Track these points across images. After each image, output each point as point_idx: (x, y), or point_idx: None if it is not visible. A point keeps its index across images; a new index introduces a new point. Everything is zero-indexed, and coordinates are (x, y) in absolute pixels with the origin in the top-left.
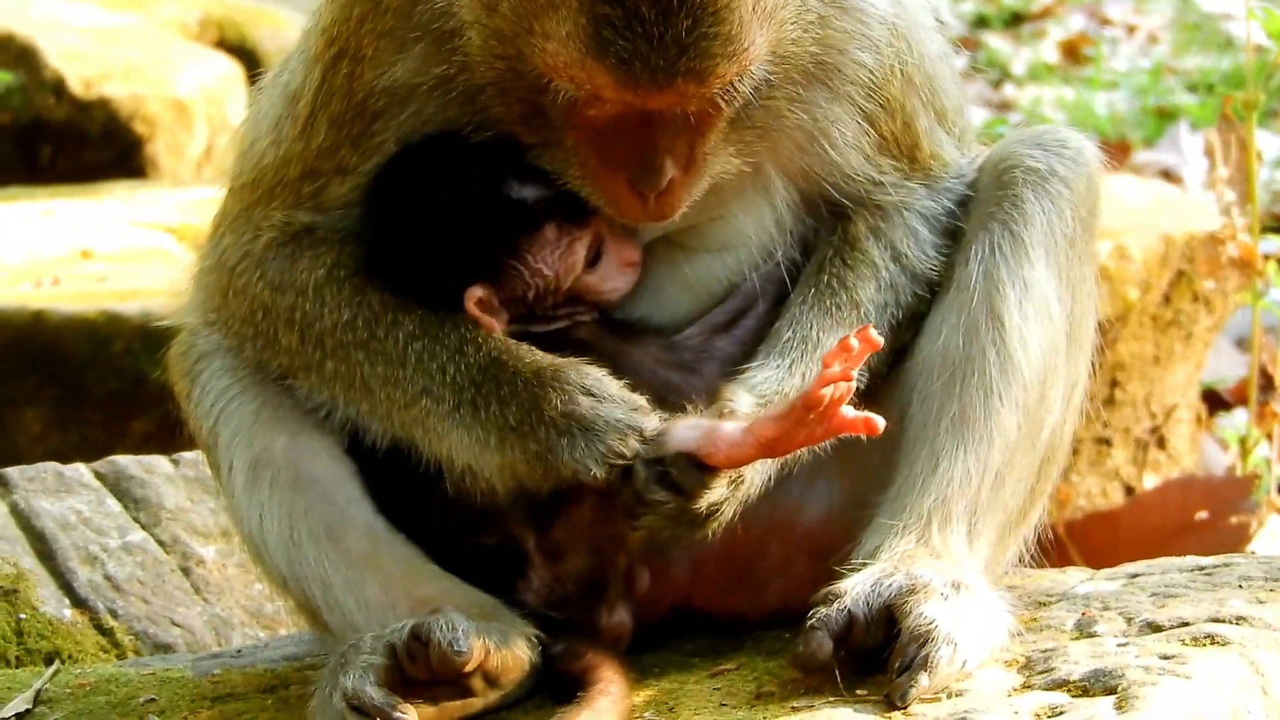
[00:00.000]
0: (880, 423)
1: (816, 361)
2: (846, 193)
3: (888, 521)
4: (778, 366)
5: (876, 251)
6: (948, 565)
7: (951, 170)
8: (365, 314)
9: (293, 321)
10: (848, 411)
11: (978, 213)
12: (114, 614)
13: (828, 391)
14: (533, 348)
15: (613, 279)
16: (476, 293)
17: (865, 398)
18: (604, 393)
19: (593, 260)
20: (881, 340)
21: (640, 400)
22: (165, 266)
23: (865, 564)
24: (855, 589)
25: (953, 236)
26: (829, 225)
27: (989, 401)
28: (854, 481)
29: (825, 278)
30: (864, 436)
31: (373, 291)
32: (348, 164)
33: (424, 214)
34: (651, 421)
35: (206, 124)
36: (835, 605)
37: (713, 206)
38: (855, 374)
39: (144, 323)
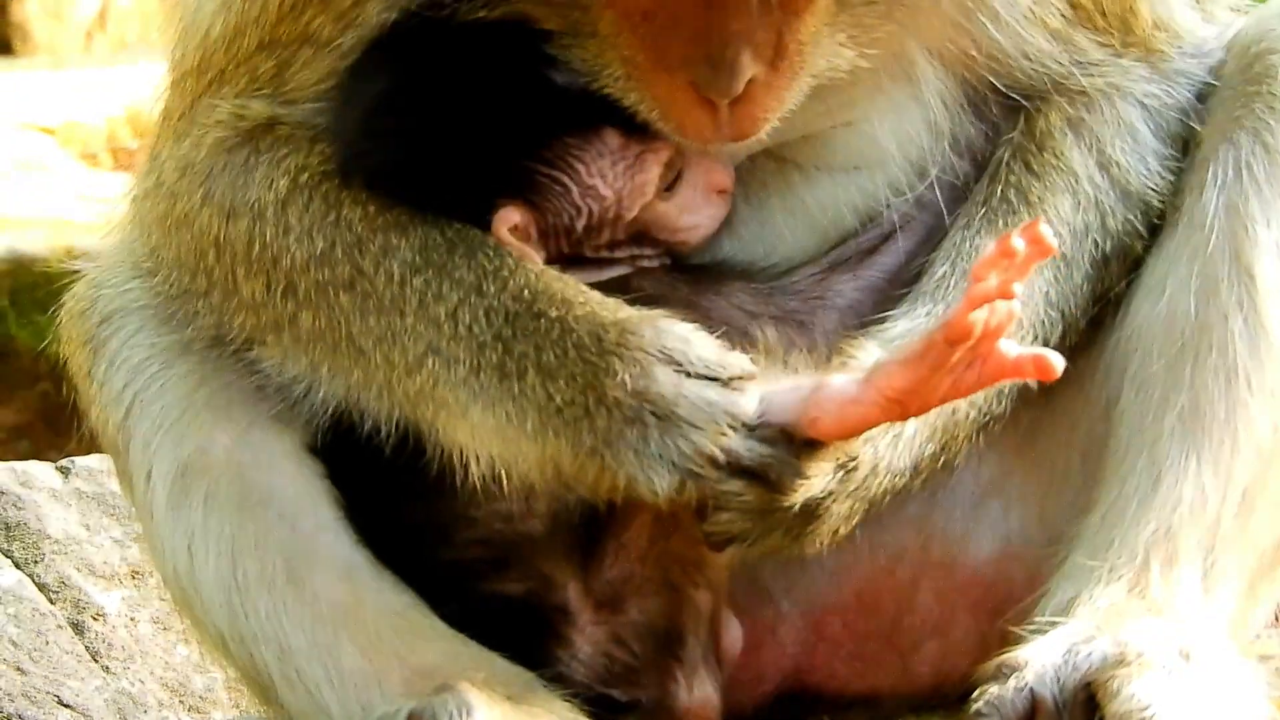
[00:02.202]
0: (1057, 361)
1: None
2: (1026, 84)
3: (1087, 561)
4: (928, 314)
5: (1076, 153)
6: (1173, 624)
7: (1187, 44)
8: (345, 238)
9: (251, 260)
10: (1009, 348)
11: (1220, 115)
12: None
13: (979, 316)
14: (585, 287)
15: (694, 210)
16: (512, 216)
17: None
18: (694, 360)
19: (669, 183)
20: (1055, 242)
21: (746, 366)
22: (44, 183)
23: (1055, 623)
24: (1040, 659)
25: (1185, 146)
26: (1007, 126)
27: (1233, 390)
28: (1040, 503)
29: (999, 189)
30: (1033, 383)
31: (353, 204)
32: (319, 33)
33: (427, 100)
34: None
35: None
36: (1012, 682)
37: (837, 109)
38: (1019, 292)
39: (13, 267)
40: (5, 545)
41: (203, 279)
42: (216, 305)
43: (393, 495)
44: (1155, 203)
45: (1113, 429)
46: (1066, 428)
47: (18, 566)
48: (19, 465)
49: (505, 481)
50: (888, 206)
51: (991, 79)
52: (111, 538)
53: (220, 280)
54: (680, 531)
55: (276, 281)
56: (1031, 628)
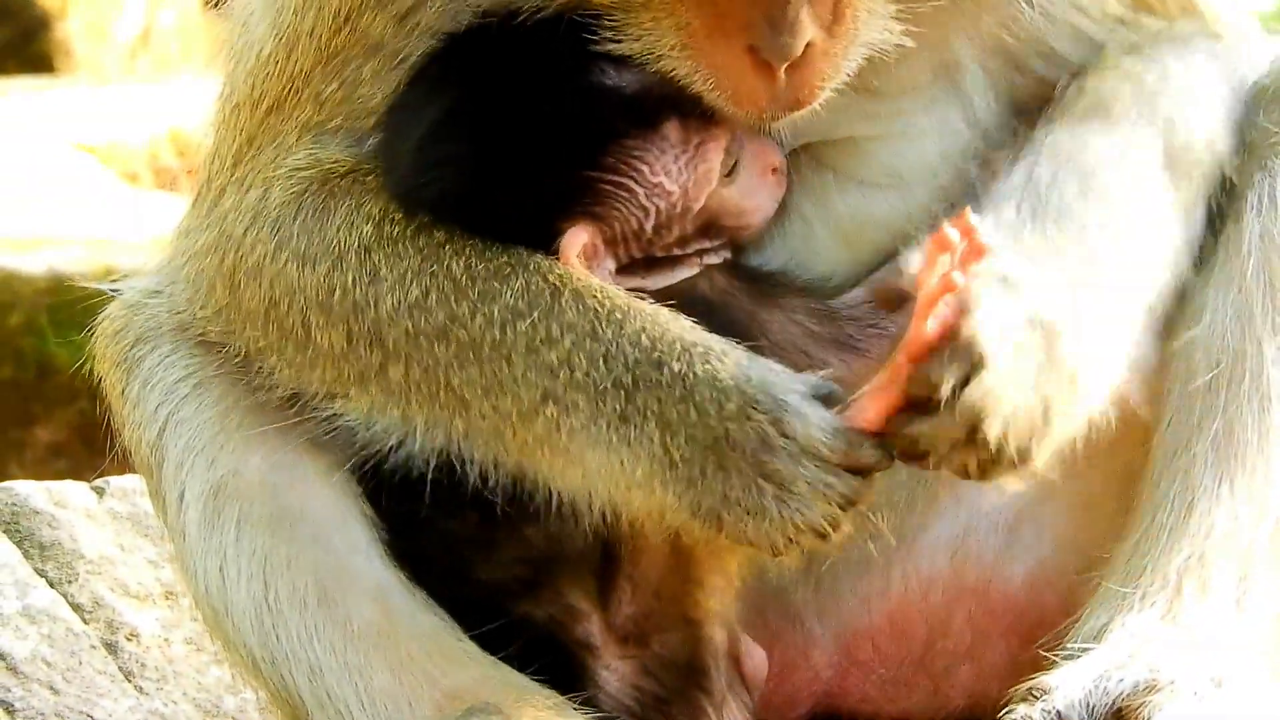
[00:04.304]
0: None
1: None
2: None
3: (1120, 588)
4: (1017, 207)
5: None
6: (1205, 651)
7: (1246, 40)
8: (441, 285)
9: (330, 308)
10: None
11: (1258, 141)
12: (9, 709)
13: (933, 326)
14: (700, 331)
15: (755, 193)
16: (580, 237)
17: None
18: (814, 437)
19: (728, 169)
20: (988, 242)
21: (860, 450)
22: (85, 202)
23: (1087, 648)
24: (1071, 684)
25: (1242, 134)
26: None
27: (1267, 416)
28: (1074, 529)
29: (1073, 104)
30: None
31: (450, 249)
32: (380, 36)
33: (478, 123)
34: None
35: None
36: (1041, 706)
37: (877, 116)
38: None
39: (53, 285)
40: (40, 565)
41: (274, 331)
42: (291, 359)
43: (432, 509)
44: (1202, 182)
45: (1147, 455)
46: (1101, 453)
47: (52, 586)
48: (54, 485)
49: (616, 522)
50: (929, 223)
51: (1041, 88)
52: (145, 558)
53: (293, 331)
54: (682, 565)
55: (359, 332)
56: (1064, 653)
